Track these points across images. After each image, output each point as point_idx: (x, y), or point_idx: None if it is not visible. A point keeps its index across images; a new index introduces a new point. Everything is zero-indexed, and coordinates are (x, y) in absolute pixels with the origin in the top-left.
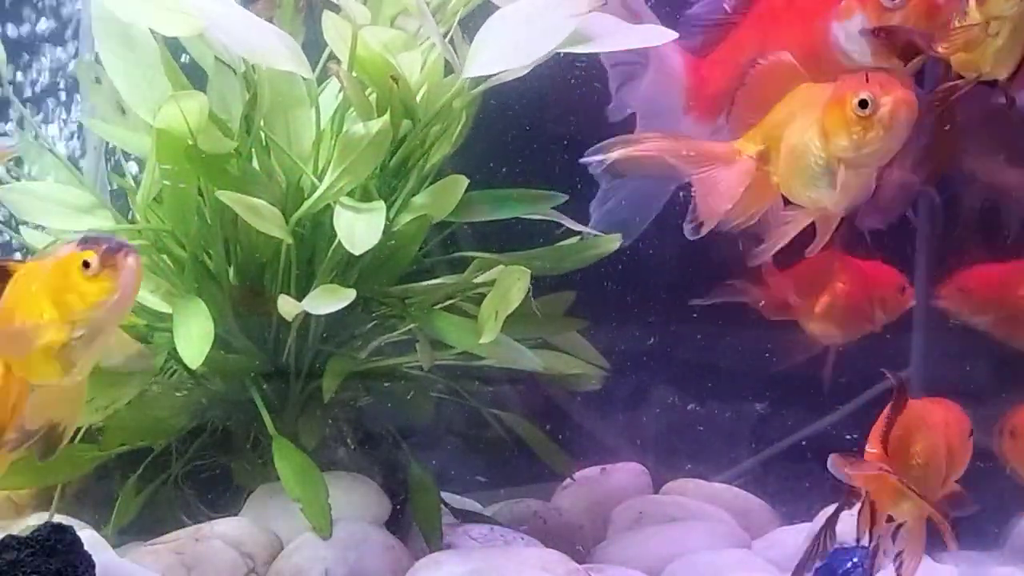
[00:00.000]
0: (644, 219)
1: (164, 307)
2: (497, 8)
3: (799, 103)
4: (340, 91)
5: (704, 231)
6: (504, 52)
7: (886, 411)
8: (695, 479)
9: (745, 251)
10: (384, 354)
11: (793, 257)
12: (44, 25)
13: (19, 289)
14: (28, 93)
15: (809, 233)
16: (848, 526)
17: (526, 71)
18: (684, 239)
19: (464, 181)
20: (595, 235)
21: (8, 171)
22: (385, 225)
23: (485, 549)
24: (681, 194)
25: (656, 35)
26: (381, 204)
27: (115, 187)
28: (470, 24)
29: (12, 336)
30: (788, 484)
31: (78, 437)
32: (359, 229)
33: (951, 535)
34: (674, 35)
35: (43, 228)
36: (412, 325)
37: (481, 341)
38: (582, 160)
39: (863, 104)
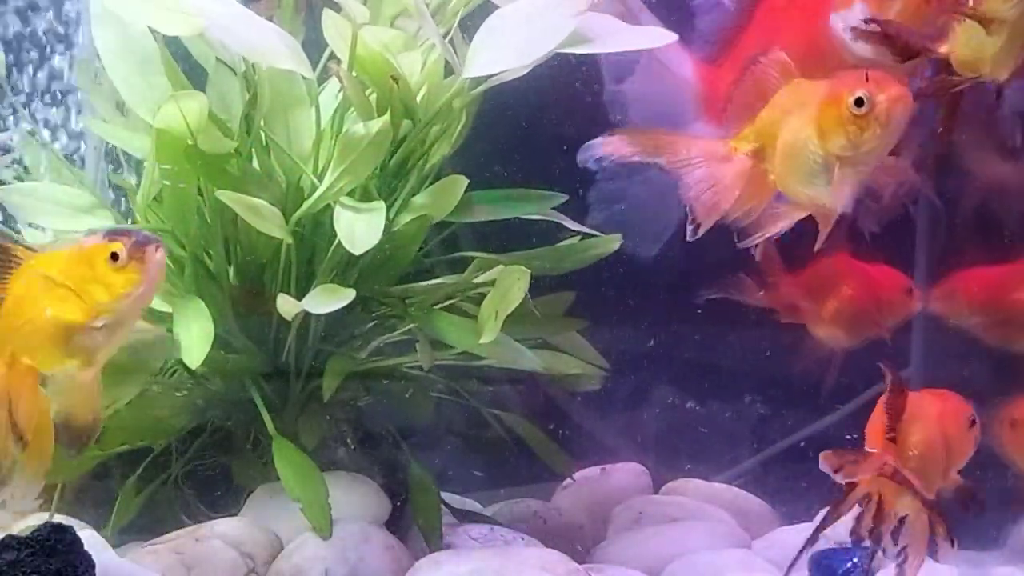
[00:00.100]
0: (667, 226)
1: (164, 307)
2: (497, 8)
3: (793, 100)
4: (340, 91)
5: (702, 231)
6: (504, 52)
7: (883, 405)
8: (695, 479)
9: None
10: (384, 354)
11: (800, 260)
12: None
13: (35, 280)
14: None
15: (811, 235)
16: (847, 526)
17: (526, 71)
18: (685, 239)
19: (464, 181)
20: (595, 235)
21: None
22: (385, 225)
23: (485, 549)
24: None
25: (656, 37)
26: (381, 204)
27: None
28: (470, 24)
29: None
30: (788, 484)
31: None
32: (359, 229)
33: (945, 534)
34: (674, 36)
35: (42, 228)
36: (412, 325)
37: (481, 341)
38: (579, 157)
39: (859, 102)
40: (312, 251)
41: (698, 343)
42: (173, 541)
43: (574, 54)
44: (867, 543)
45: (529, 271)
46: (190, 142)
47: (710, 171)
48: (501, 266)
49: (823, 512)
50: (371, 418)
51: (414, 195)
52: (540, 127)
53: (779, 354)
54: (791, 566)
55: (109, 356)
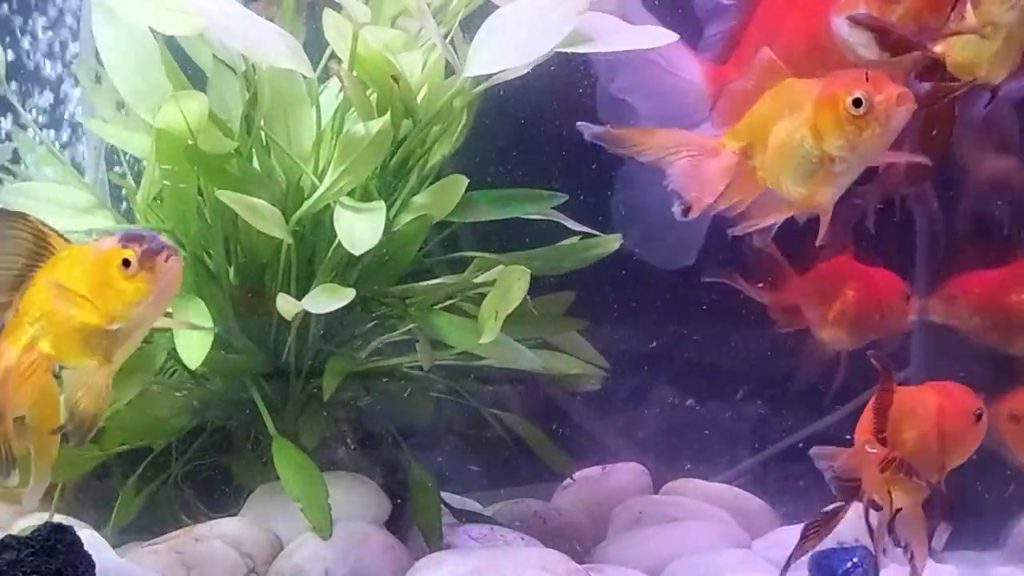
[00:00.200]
0: (695, 240)
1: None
2: (497, 8)
3: (786, 99)
4: (340, 91)
5: (689, 218)
6: (504, 52)
7: (873, 398)
8: (695, 479)
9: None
10: (384, 354)
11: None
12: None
13: (62, 271)
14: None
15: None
16: (847, 526)
17: (526, 70)
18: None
19: (464, 181)
20: (595, 235)
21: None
22: (385, 225)
23: (485, 549)
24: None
25: (657, 36)
26: (381, 204)
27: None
28: (471, 24)
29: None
30: (788, 484)
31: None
32: (359, 229)
33: (938, 531)
34: (675, 36)
35: None
36: (412, 325)
37: (481, 341)
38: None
39: (857, 103)
40: (312, 251)
41: (698, 343)
42: (173, 541)
43: (575, 53)
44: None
45: (529, 271)
46: (190, 142)
47: (696, 164)
48: (501, 266)
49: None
50: (371, 418)
51: (414, 195)
52: (540, 127)
53: (779, 354)
54: (786, 566)
55: (125, 357)
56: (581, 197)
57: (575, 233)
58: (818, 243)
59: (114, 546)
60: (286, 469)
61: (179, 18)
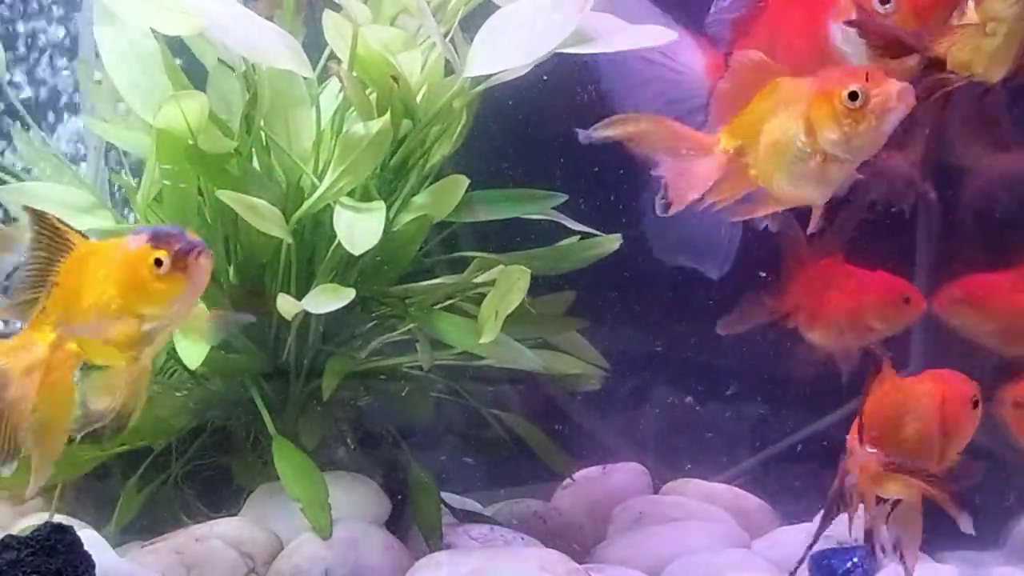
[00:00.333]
0: (730, 248)
1: None
2: (497, 8)
3: (779, 98)
4: (340, 91)
5: (672, 212)
6: (505, 51)
7: (867, 393)
8: (695, 479)
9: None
10: (384, 354)
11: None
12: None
13: (88, 269)
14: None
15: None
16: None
17: (526, 70)
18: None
19: (464, 181)
20: (595, 235)
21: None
22: (385, 225)
23: (485, 549)
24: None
25: (657, 35)
26: (381, 204)
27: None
28: (471, 24)
29: (89, 326)
30: (788, 484)
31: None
32: (359, 229)
33: (956, 509)
34: (674, 35)
35: None
36: (412, 325)
37: (481, 341)
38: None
39: (853, 96)
40: (312, 251)
41: (698, 343)
42: (173, 541)
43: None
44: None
45: (529, 271)
46: (190, 142)
47: (687, 160)
48: (501, 266)
49: (820, 515)
50: (371, 418)
51: (414, 195)
52: (540, 127)
53: (779, 354)
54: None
55: (155, 355)
56: (582, 197)
57: (575, 233)
58: (808, 231)
59: (114, 546)
60: (286, 469)
61: (179, 18)
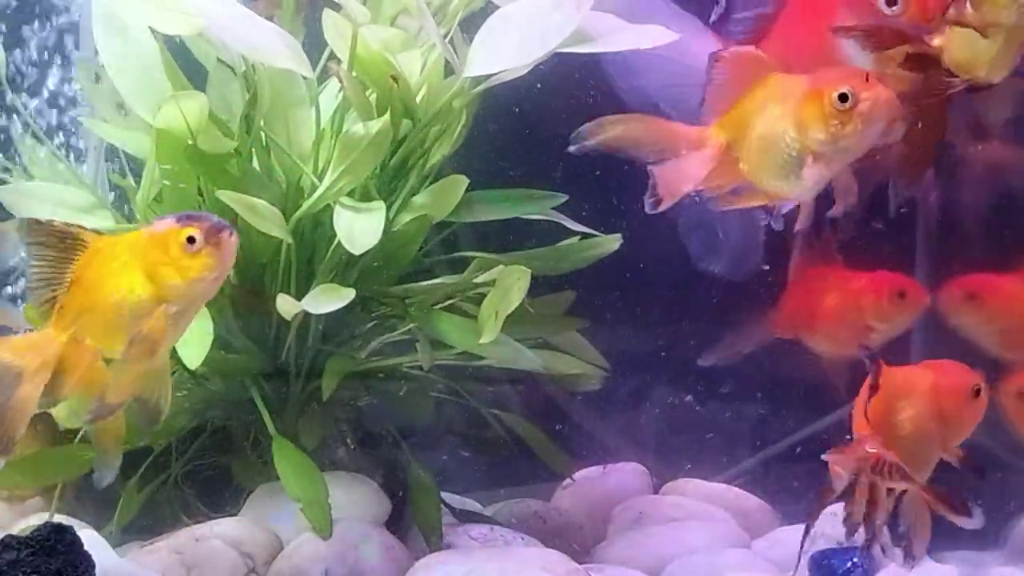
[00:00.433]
0: (755, 250)
1: None
2: (498, 8)
3: (771, 93)
4: (340, 91)
5: (661, 208)
6: (505, 51)
7: (865, 389)
8: (695, 479)
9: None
10: (384, 354)
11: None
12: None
13: (104, 262)
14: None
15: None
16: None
17: (526, 71)
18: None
19: (464, 181)
20: (595, 235)
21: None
22: (385, 225)
23: (485, 549)
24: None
25: (657, 35)
26: (381, 204)
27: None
28: (471, 24)
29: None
30: (788, 484)
31: (78, 437)
32: (359, 229)
33: (952, 507)
34: (676, 36)
35: None
36: (412, 325)
37: (481, 341)
38: (570, 149)
39: (843, 98)
40: (312, 251)
41: (698, 343)
42: (173, 541)
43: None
44: (860, 535)
45: (529, 271)
46: (190, 142)
47: (681, 155)
48: (501, 266)
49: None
50: (371, 418)
51: (414, 195)
52: (540, 127)
53: (780, 353)
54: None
55: (175, 342)
56: (582, 197)
57: (575, 233)
58: (796, 228)
59: (114, 546)
60: (286, 469)
61: (179, 18)
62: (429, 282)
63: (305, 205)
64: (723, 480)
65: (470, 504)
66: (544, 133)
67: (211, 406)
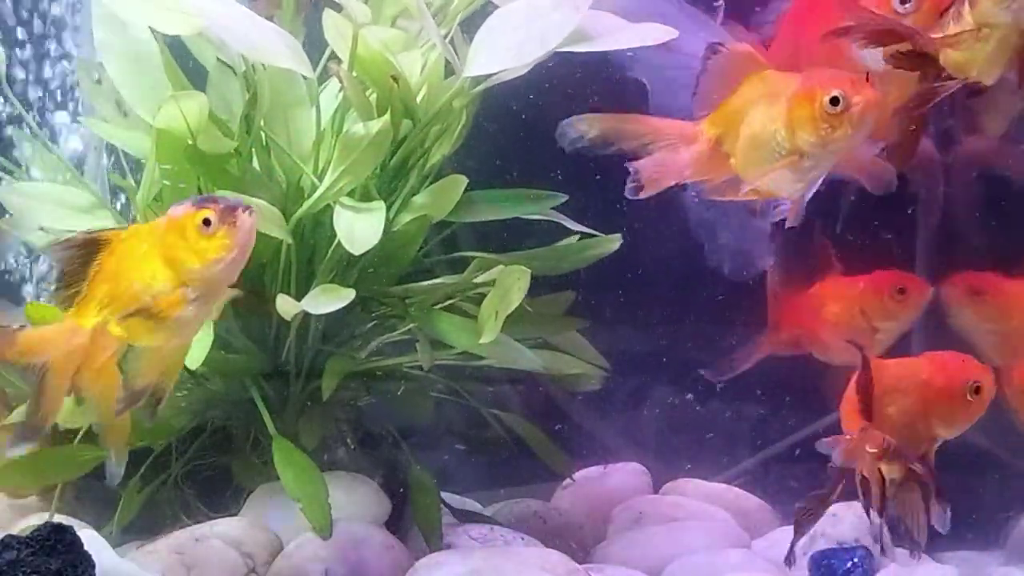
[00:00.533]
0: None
1: None
2: (497, 8)
3: (763, 91)
4: (340, 91)
5: (643, 196)
6: (504, 51)
7: (854, 382)
8: (695, 479)
9: None
10: (384, 354)
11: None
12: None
13: (126, 252)
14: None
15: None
16: (848, 526)
17: (526, 70)
18: (685, 240)
19: (464, 181)
20: (595, 235)
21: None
22: (385, 225)
23: (485, 549)
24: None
25: (657, 33)
26: (381, 204)
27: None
28: (471, 25)
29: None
30: (788, 484)
31: (78, 437)
32: (359, 229)
33: (935, 499)
34: (675, 34)
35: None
36: (412, 325)
37: (481, 341)
38: (566, 148)
39: (835, 101)
40: (312, 251)
41: (698, 343)
42: (173, 541)
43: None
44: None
45: (529, 271)
46: (190, 142)
47: (671, 149)
48: (501, 266)
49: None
50: (371, 418)
51: (414, 195)
52: (540, 127)
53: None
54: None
55: (197, 330)
56: (582, 197)
57: (575, 233)
58: (787, 225)
59: (114, 546)
60: (286, 469)
61: (179, 18)
62: (429, 282)
63: (305, 205)
64: (723, 480)
65: (470, 504)
66: (544, 133)
67: (211, 406)
